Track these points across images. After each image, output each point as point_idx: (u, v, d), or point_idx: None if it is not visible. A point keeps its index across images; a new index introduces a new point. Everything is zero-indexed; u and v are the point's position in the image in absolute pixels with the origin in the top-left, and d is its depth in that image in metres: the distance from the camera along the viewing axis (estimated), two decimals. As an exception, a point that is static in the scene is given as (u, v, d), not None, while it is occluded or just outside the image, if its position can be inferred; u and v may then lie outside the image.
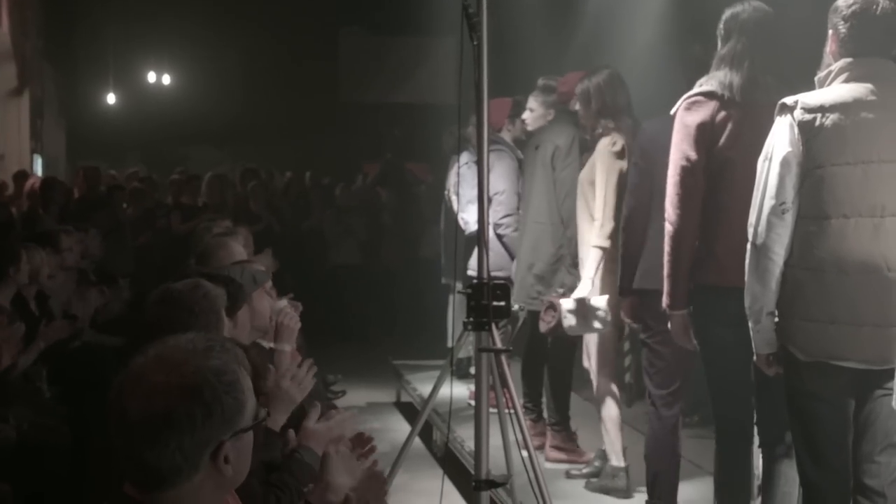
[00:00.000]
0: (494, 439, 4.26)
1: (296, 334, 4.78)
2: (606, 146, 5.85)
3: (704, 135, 4.53)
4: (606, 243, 5.79)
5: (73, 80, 19.20)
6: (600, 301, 5.79)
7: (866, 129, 3.86)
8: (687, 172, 4.54)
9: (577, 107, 6.07)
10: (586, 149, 6.24)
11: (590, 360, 6.18)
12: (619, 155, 5.82)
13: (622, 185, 5.69)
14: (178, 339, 2.17)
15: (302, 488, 3.34)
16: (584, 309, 5.83)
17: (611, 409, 6.04)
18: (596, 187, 5.87)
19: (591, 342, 6.13)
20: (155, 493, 2.11)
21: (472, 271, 6.81)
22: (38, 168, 16.17)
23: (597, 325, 5.84)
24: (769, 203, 3.92)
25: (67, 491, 3.41)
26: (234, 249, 5.02)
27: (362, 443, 3.44)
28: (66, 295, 7.33)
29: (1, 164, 14.26)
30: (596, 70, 6.06)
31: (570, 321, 5.91)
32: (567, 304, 5.90)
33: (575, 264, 6.34)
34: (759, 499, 4.78)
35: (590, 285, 5.84)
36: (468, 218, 7.54)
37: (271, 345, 4.82)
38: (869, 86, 3.90)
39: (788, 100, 3.93)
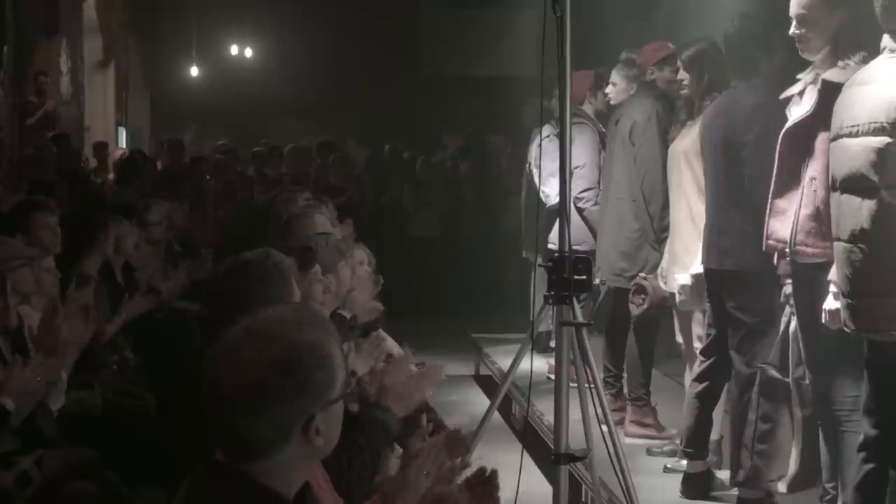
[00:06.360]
0: (574, 414, 4.25)
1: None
2: None
3: None
4: None
5: (158, 54, 19.39)
6: None
7: None
8: None
9: (683, 76, 5.78)
10: (673, 121, 6.11)
11: (688, 336, 6.06)
12: None
13: None
14: (268, 311, 2.19)
15: (374, 447, 3.33)
16: (700, 286, 5.66)
17: None
18: None
19: (694, 319, 5.98)
20: (246, 462, 2.13)
21: (552, 245, 6.77)
22: (123, 140, 16.39)
23: None
24: None
25: (152, 458, 3.47)
26: (319, 221, 5.05)
27: (458, 445, 3.10)
28: (152, 267, 7.41)
29: (87, 136, 14.48)
30: (700, 38, 5.78)
31: (684, 297, 5.81)
32: (683, 279, 5.78)
33: (659, 241, 6.25)
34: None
35: None
36: (549, 191, 7.49)
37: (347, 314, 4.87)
38: None
39: None
